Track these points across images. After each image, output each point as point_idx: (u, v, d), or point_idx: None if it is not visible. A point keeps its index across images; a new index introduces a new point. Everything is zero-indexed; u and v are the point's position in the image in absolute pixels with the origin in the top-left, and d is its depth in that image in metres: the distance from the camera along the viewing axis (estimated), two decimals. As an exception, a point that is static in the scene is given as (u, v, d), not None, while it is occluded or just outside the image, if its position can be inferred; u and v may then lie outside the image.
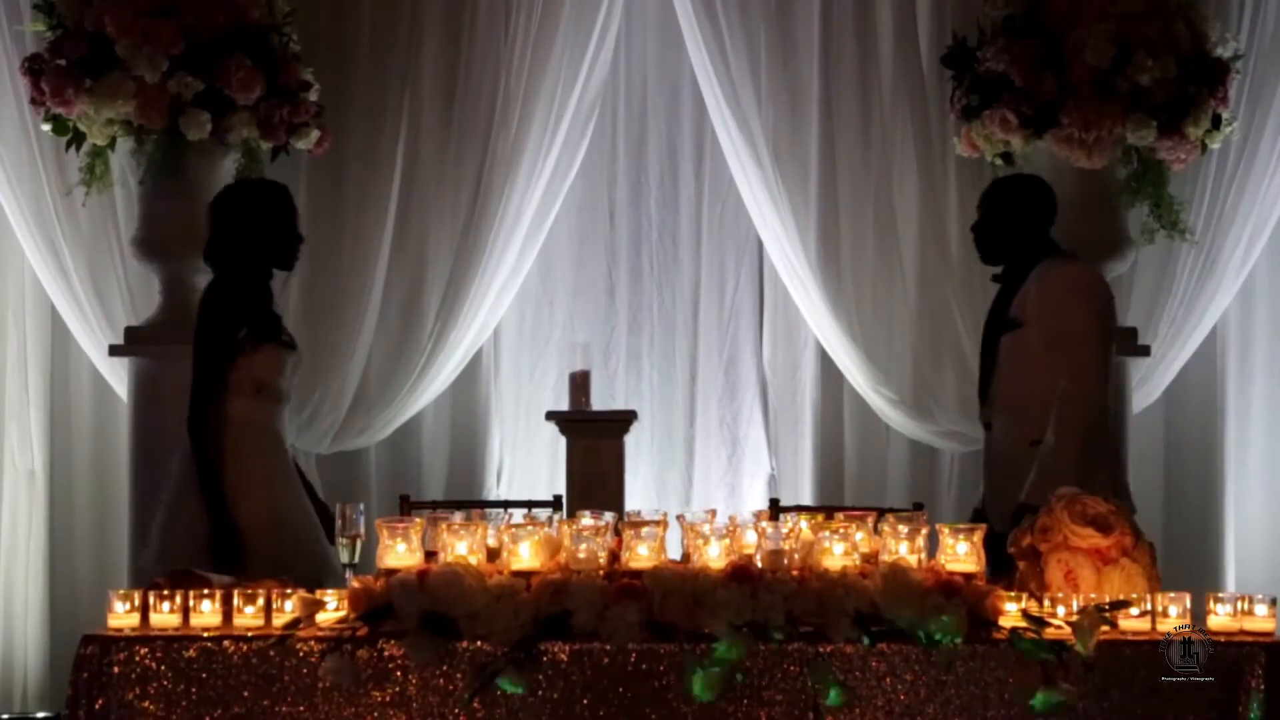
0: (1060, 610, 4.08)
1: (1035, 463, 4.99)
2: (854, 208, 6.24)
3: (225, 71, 5.65)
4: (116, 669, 3.97)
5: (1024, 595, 4.12)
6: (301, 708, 3.97)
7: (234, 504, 4.88)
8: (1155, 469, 6.41)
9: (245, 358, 5.01)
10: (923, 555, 4.13)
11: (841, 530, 4.13)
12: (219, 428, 4.97)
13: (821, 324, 6.26)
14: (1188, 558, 6.22)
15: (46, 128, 5.82)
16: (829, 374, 6.41)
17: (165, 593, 4.11)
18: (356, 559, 4.28)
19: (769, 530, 4.08)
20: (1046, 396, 5.04)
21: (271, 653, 3.98)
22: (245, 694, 3.97)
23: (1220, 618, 4.12)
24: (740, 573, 3.97)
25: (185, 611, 4.11)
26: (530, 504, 5.30)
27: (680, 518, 4.27)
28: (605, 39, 6.30)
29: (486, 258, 6.18)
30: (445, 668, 3.96)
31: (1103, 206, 5.96)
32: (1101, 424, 5.11)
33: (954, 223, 6.23)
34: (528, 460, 6.45)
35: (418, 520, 4.18)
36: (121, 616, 4.09)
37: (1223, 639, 4.05)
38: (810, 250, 6.19)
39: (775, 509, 4.40)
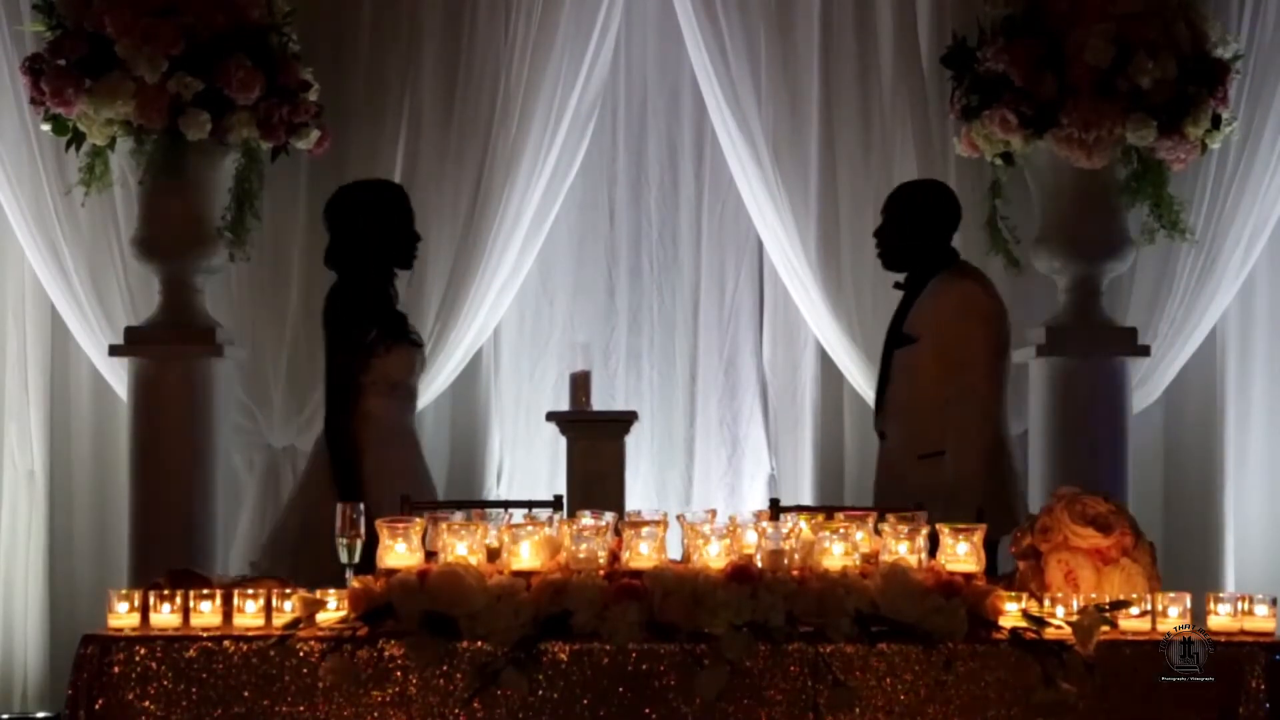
0: (1060, 610, 4.08)
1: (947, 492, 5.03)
2: (854, 208, 6.24)
3: (225, 71, 5.65)
4: (116, 669, 3.97)
5: (1024, 595, 4.13)
6: (301, 708, 3.97)
7: (373, 501, 4.95)
8: (1155, 469, 6.41)
9: (379, 359, 5.16)
10: (923, 555, 4.13)
11: (841, 530, 4.13)
12: (357, 427, 5.09)
13: (821, 324, 6.26)
14: (1188, 558, 6.22)
15: (46, 128, 5.83)
16: (829, 374, 6.41)
17: (165, 593, 4.11)
18: (356, 559, 4.28)
19: (769, 530, 4.08)
20: (936, 412, 5.09)
21: (271, 653, 3.98)
22: (245, 694, 3.97)
23: (1220, 618, 4.13)
24: (740, 573, 3.97)
25: (185, 611, 4.11)
26: (530, 504, 5.29)
27: (680, 518, 4.27)
28: (605, 39, 6.29)
29: (486, 258, 6.18)
30: (445, 668, 3.96)
31: (1103, 206, 5.96)
32: (998, 442, 5.15)
33: (954, 222, 6.24)
34: (528, 460, 6.45)
35: (418, 520, 4.18)
36: (121, 616, 4.10)
37: (1223, 639, 4.05)
38: (810, 250, 6.19)
39: (775, 509, 4.40)
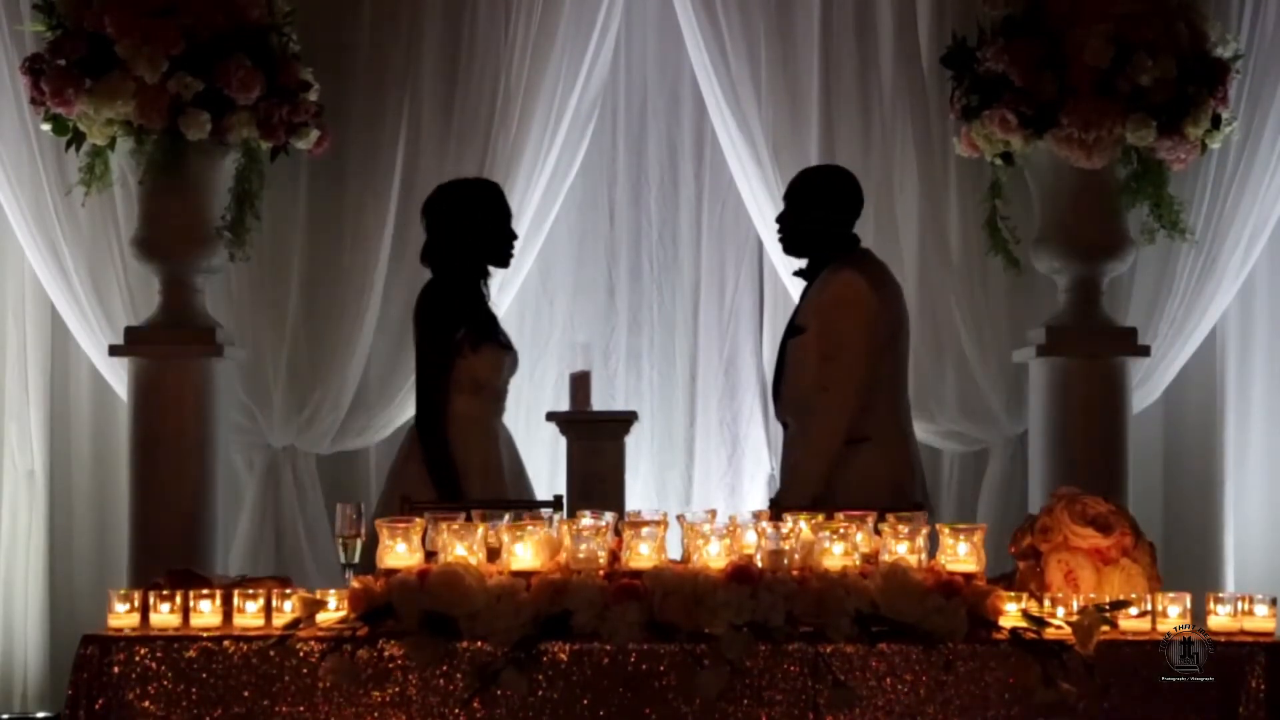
0: (1060, 610, 4.08)
1: (787, 467, 5.12)
2: (854, 208, 6.24)
3: (225, 71, 5.66)
4: (116, 669, 3.97)
5: (1024, 595, 4.13)
6: (301, 708, 3.97)
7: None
8: (1155, 469, 6.41)
9: (464, 359, 5.16)
10: (923, 555, 4.13)
11: (841, 530, 4.13)
12: (448, 426, 5.12)
13: (822, 324, 6.26)
14: (1188, 558, 6.22)
15: (46, 128, 5.83)
16: (829, 374, 6.41)
17: (165, 593, 4.11)
18: (356, 559, 4.28)
19: (769, 530, 4.08)
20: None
21: (271, 653, 3.98)
22: (245, 694, 3.97)
23: (1220, 618, 4.13)
24: (740, 573, 3.98)
25: (185, 611, 4.11)
26: (530, 504, 5.30)
27: (680, 518, 4.27)
28: (605, 39, 6.30)
29: (486, 257, 6.18)
30: (445, 668, 3.96)
31: (1103, 206, 5.96)
32: (852, 434, 5.15)
33: (954, 222, 6.24)
34: (528, 460, 6.42)
35: (418, 520, 4.18)
36: (121, 616, 4.10)
37: (1223, 639, 4.05)
38: (810, 250, 6.19)
39: (775, 509, 4.40)
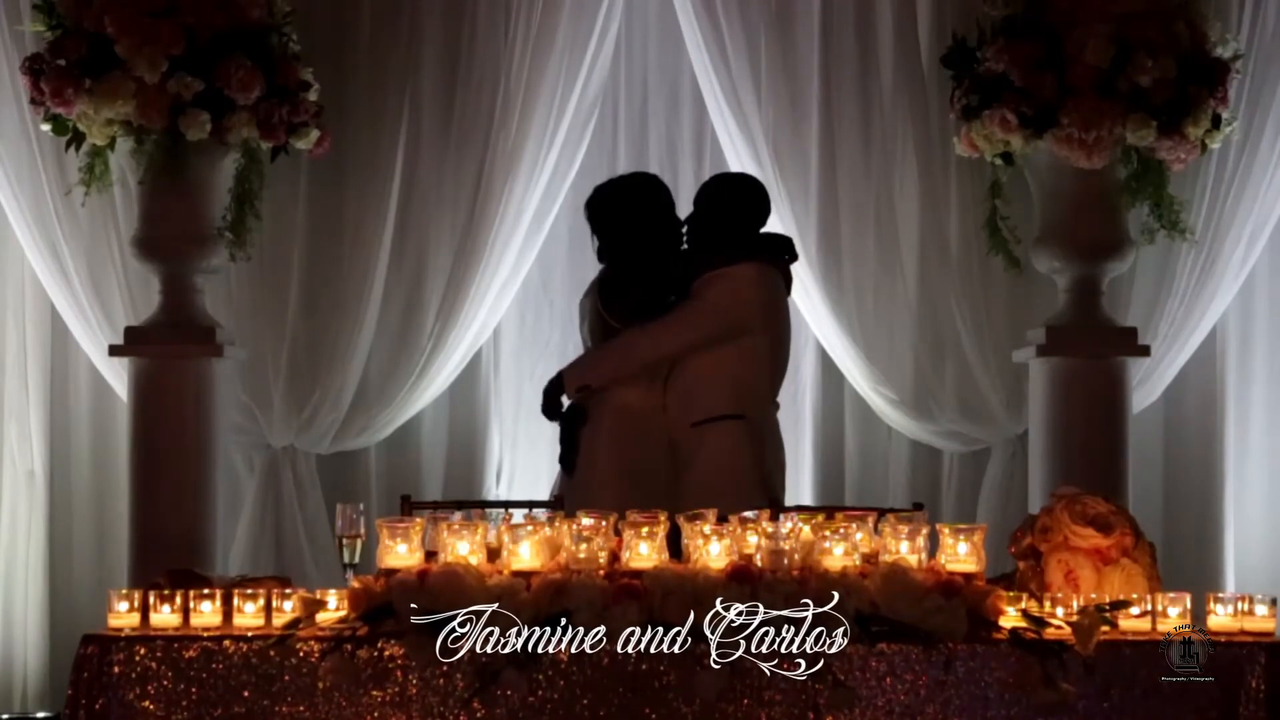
0: (1060, 610, 4.08)
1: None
2: (854, 208, 6.24)
3: (225, 71, 5.66)
4: (116, 669, 3.97)
5: (1024, 595, 4.13)
6: (301, 708, 3.97)
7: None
8: (1155, 469, 6.41)
9: None
10: (923, 555, 4.13)
11: (841, 530, 4.13)
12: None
13: (821, 324, 6.26)
14: (1188, 558, 6.22)
15: (46, 128, 5.83)
16: (829, 374, 6.41)
17: (165, 593, 4.11)
18: (357, 559, 4.29)
19: (769, 530, 4.08)
20: (710, 382, 5.17)
21: (271, 653, 3.98)
22: (245, 694, 3.97)
23: (1220, 618, 4.13)
24: (740, 573, 3.98)
25: (185, 611, 4.11)
26: (530, 504, 5.29)
27: (680, 518, 4.27)
28: (605, 39, 6.29)
29: (486, 258, 6.18)
30: (445, 668, 3.96)
31: (1103, 206, 5.96)
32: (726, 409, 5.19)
33: (954, 223, 6.24)
34: (528, 460, 6.45)
35: (418, 520, 4.18)
36: (121, 616, 4.10)
37: (1223, 639, 4.05)
38: (810, 250, 6.19)
39: (775, 509, 4.40)
